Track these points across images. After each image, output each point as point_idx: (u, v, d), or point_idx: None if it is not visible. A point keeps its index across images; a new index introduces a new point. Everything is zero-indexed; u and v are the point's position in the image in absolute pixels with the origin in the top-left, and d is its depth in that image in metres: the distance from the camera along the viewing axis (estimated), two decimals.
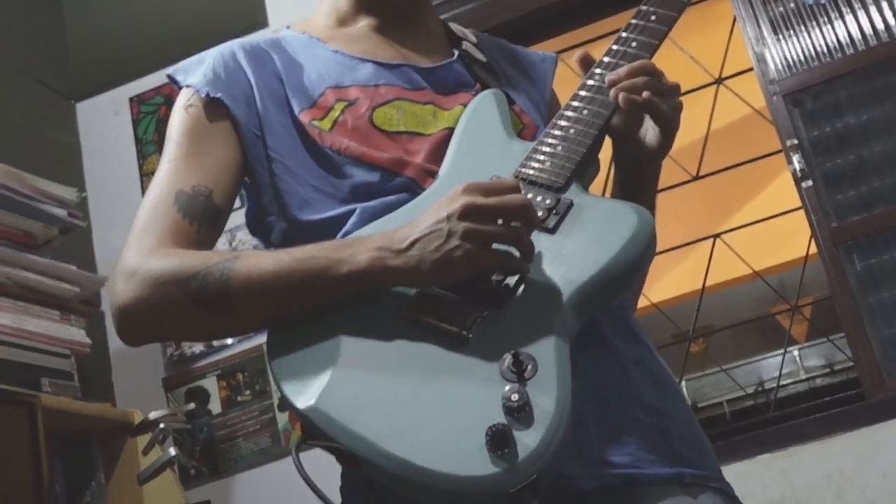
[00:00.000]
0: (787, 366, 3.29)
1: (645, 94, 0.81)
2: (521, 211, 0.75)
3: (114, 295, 0.82)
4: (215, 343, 2.18)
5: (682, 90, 0.89)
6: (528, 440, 0.66)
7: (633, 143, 0.88)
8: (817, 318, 3.30)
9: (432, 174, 0.89)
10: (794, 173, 2.12)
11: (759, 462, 1.98)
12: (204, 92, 0.89)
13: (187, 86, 0.91)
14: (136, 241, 0.84)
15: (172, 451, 1.71)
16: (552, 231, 0.79)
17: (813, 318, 3.35)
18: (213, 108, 0.90)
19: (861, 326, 2.03)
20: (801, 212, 2.16)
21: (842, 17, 2.22)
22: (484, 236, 0.73)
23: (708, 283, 2.85)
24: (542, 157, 0.85)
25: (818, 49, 2.20)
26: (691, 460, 0.80)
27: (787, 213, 2.62)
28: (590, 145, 0.85)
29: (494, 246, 0.74)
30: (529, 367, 0.69)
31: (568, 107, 0.89)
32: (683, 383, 3.36)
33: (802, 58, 2.20)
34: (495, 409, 0.68)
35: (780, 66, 2.20)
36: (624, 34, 0.90)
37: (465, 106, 0.93)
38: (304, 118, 0.90)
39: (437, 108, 0.94)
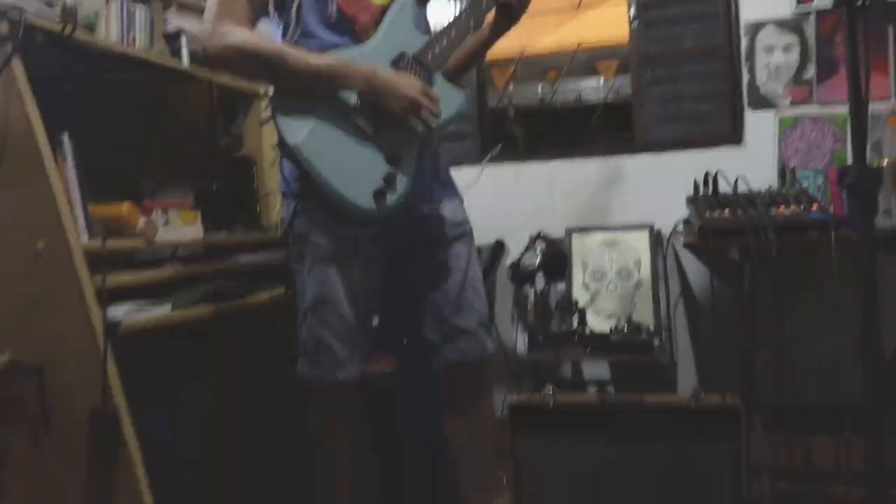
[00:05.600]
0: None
1: None
2: (434, 109, 1.54)
3: (204, 39, 1.48)
4: None
5: None
6: (391, 198, 1.51)
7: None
8: None
9: (365, 31, 1.60)
10: None
11: None
12: None
13: None
14: (219, 8, 1.48)
15: None
16: None
17: None
18: None
19: None
20: None
21: None
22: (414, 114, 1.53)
23: None
24: (430, 50, 1.61)
25: None
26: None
27: None
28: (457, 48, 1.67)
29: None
30: (401, 160, 1.54)
31: (459, 13, 1.65)
32: None
33: None
34: (379, 175, 1.51)
35: None
36: None
37: None
38: None
39: None
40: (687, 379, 2.63)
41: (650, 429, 2.04)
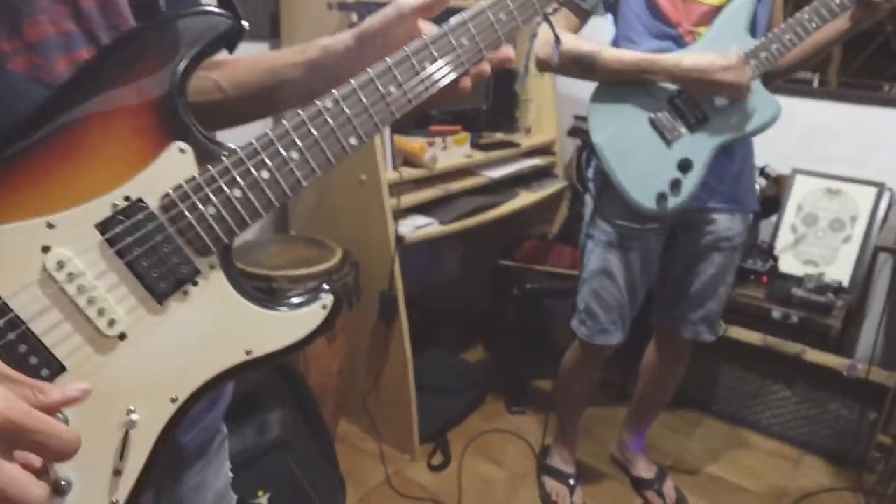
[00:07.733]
0: None
1: None
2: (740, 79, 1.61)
3: (535, 45, 1.56)
4: None
5: None
6: (673, 201, 1.67)
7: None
8: None
9: (691, 33, 1.66)
10: None
11: None
12: None
13: None
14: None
15: None
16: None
17: None
18: None
19: None
20: None
21: None
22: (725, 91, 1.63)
23: None
24: (761, 52, 1.62)
25: None
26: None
27: None
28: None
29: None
30: (691, 166, 1.66)
31: (797, 15, 1.61)
32: None
33: None
34: (666, 179, 1.66)
35: None
36: None
37: None
38: None
39: None
40: (867, 342, 2.71)
41: (803, 376, 2.42)
